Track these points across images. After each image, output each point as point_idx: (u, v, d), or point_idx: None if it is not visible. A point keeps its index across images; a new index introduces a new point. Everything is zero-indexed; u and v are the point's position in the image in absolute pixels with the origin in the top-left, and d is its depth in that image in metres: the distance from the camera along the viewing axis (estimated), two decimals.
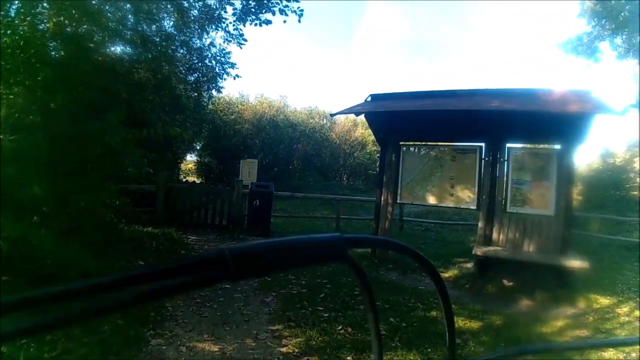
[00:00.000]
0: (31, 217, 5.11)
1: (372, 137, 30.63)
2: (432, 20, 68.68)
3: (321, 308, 6.39)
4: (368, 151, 31.28)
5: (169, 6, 12.10)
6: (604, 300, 7.85)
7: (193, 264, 0.49)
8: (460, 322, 6.07)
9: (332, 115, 9.05)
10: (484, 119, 8.79)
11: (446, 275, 9.03)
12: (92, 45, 6.56)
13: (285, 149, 28.08)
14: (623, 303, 7.86)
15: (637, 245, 13.60)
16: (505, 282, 8.37)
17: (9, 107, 5.07)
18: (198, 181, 23.47)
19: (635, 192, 19.52)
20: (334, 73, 69.75)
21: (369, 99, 9.80)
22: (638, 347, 0.97)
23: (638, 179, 19.98)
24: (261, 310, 6.33)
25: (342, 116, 31.77)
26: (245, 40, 13.97)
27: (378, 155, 30.49)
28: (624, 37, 16.30)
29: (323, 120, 31.67)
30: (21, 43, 5.56)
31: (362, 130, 31.59)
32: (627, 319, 7.05)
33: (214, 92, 18.54)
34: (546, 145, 9.32)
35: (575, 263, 7.64)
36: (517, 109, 8.29)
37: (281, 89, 51.37)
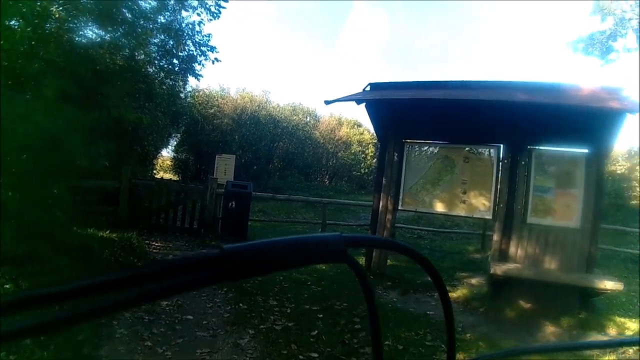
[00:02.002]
0: None
1: (357, 137, 29.87)
2: (421, 24, 67.50)
3: (315, 355, 4.83)
4: (352, 151, 30.18)
5: None
6: (633, 325, 7.05)
7: (190, 263, 0.49)
8: None
9: (327, 102, 7.62)
10: (504, 114, 7.69)
11: (455, 295, 7.77)
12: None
13: (266, 146, 26.54)
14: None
15: None
16: (523, 304, 7.32)
17: None
18: (174, 179, 21.95)
19: (635, 202, 18.99)
20: (319, 70, 68.39)
21: (368, 88, 8.37)
22: (638, 347, 1.04)
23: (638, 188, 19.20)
24: None
25: (327, 115, 30.78)
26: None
27: (362, 155, 30.04)
28: None
29: (307, 118, 30.41)
30: None
31: (347, 130, 30.74)
32: None
33: (192, 81, 17.13)
34: (573, 149, 8.14)
35: (609, 284, 6.79)
36: (546, 103, 7.14)
37: (264, 84, 49.94)
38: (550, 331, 6.55)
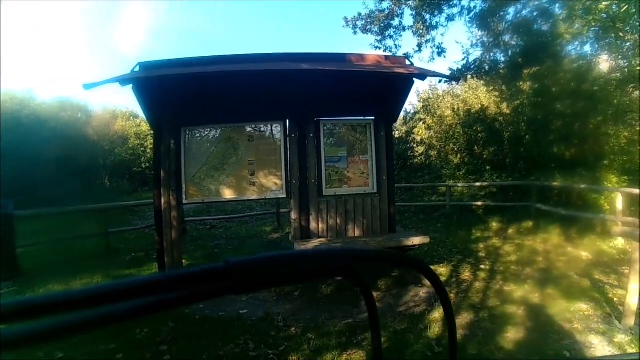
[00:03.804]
0: None
1: (134, 130, 28.01)
2: (203, 15, 65.99)
3: None
4: (130, 146, 28.21)
5: None
6: (443, 270, 7.82)
7: (197, 276, 0.48)
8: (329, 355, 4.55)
9: (86, 86, 6.15)
10: (287, 87, 7.35)
11: None
12: None
13: (33, 152, 22.57)
14: (460, 268, 7.94)
15: (429, 207, 15.76)
16: (337, 278, 6.91)
17: None
18: None
19: (415, 161, 20.63)
20: (89, 62, 62.78)
21: (137, 68, 7.02)
22: None
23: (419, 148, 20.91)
24: None
25: (100, 108, 28.24)
26: None
27: (142, 149, 28.21)
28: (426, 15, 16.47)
29: (78, 114, 27.12)
30: None
31: (123, 123, 28.63)
32: (479, 284, 7.01)
33: None
34: (361, 117, 8.13)
35: (416, 240, 7.11)
36: (331, 70, 6.64)
37: (26, 80, 43.72)
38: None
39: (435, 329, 5.11)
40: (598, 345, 4.68)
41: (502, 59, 15.19)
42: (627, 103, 11.88)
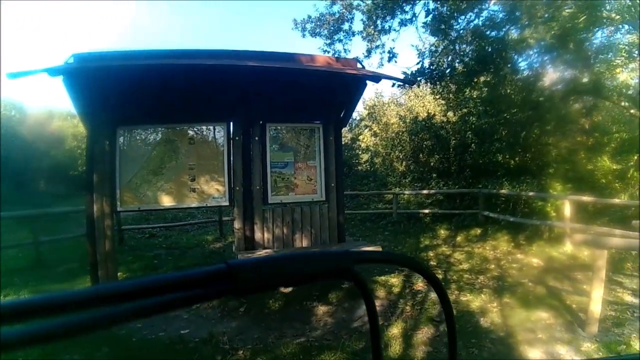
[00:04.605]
0: None
1: (72, 130, 26.35)
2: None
3: None
4: (68, 147, 26.62)
5: None
6: (394, 280, 7.53)
7: (198, 277, 0.48)
8: None
9: (10, 75, 5.45)
10: (233, 85, 6.88)
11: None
12: None
13: None
14: (412, 278, 7.60)
15: (375, 215, 15.68)
16: (284, 291, 6.77)
17: None
18: None
19: (360, 167, 20.88)
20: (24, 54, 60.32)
21: (72, 60, 6.24)
22: None
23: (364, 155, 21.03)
24: None
25: (34, 108, 26.44)
26: None
27: (79, 151, 26.65)
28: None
29: (11, 112, 25.58)
30: None
31: (60, 123, 26.97)
32: (434, 295, 6.40)
33: None
34: (309, 121, 7.80)
35: (368, 250, 6.36)
36: (280, 68, 6.36)
37: None
38: (323, 311, 6.21)
39: (395, 347, 4.79)
40: (566, 355, 4.52)
41: (456, 65, 15.20)
42: (570, 114, 12.08)
